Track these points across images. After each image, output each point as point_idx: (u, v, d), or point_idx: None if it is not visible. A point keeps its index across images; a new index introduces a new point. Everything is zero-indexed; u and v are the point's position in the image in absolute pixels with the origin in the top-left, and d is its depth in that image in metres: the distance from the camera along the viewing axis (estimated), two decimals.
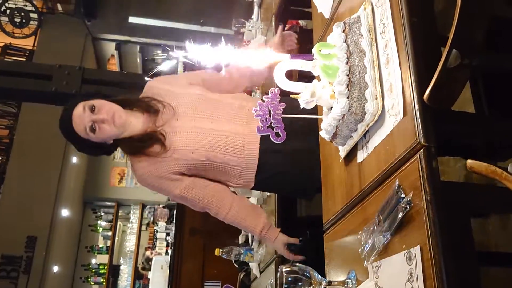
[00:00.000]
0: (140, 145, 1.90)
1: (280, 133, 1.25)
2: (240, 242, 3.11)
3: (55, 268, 8.77)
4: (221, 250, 2.60)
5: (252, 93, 2.98)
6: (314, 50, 1.32)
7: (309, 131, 1.71)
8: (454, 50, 0.89)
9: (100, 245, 10.64)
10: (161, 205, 8.16)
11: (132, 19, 9.02)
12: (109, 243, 10.59)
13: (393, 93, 1.12)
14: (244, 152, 1.89)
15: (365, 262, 1.13)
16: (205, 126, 1.89)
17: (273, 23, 2.83)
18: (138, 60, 9.61)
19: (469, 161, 0.85)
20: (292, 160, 1.93)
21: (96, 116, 1.84)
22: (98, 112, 1.85)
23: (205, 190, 1.96)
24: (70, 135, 1.91)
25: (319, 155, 1.61)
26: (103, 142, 1.92)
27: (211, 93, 1.98)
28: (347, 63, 1.25)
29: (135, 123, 1.92)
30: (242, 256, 2.58)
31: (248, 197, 2.57)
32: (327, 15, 1.66)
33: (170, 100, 1.94)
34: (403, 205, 0.99)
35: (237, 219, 2.00)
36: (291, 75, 1.93)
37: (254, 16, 3.41)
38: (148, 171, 1.91)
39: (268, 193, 2.54)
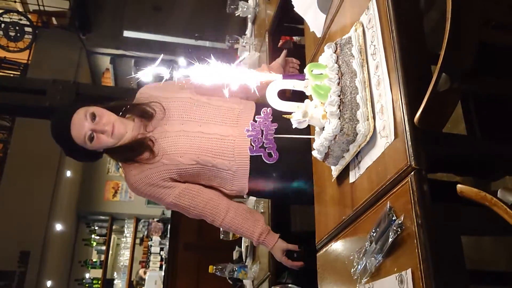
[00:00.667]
0: (131, 154, 1.88)
1: (272, 153, 1.26)
2: (234, 258, 3.10)
3: (49, 283, 8.69)
4: (214, 267, 2.59)
5: None
6: (305, 71, 1.32)
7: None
8: (443, 74, 0.90)
9: (94, 260, 10.57)
10: (155, 219, 8.13)
11: (126, 33, 9.05)
12: (102, 257, 10.53)
13: (384, 114, 1.12)
14: (234, 155, 1.85)
15: (358, 284, 1.12)
16: (193, 129, 1.87)
17: (267, 39, 2.84)
18: (133, 73, 9.61)
19: (459, 186, 0.85)
20: (285, 162, 1.84)
21: (96, 126, 1.84)
22: (99, 122, 1.84)
23: (198, 197, 1.92)
24: (63, 138, 1.89)
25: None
26: (94, 149, 1.91)
27: (201, 96, 1.95)
28: (338, 83, 1.25)
29: (128, 131, 1.91)
30: (235, 273, 2.57)
31: None
32: (319, 34, 1.67)
33: (160, 105, 1.93)
34: (395, 228, 0.99)
35: (234, 225, 1.96)
36: (285, 93, 1.94)
37: (248, 32, 3.43)
38: (139, 179, 1.89)
39: (262, 209, 2.54)
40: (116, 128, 1.87)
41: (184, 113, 1.91)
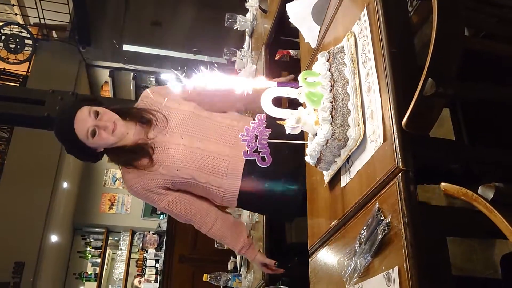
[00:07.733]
0: (130, 157, 1.96)
1: (265, 157, 1.29)
2: (229, 269, 3.11)
3: None
4: (209, 276, 2.61)
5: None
6: (299, 78, 1.36)
7: (295, 154, 1.76)
8: (429, 79, 0.94)
9: (89, 272, 10.51)
10: (151, 232, 8.11)
11: (126, 47, 9.12)
12: (97, 270, 10.47)
13: (374, 119, 1.16)
14: (227, 174, 1.94)
15: (347, 285, 1.15)
16: (192, 144, 1.94)
17: (263, 52, 2.89)
18: (131, 87, 9.69)
19: (442, 184, 0.89)
20: (275, 181, 1.96)
21: (99, 122, 1.90)
22: (101, 118, 1.90)
23: (189, 205, 2.03)
24: (65, 135, 1.94)
25: (304, 176, 1.65)
26: (94, 148, 1.96)
27: (203, 110, 2.03)
28: (331, 90, 1.30)
29: (129, 134, 1.97)
30: (230, 282, 2.59)
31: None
32: (313, 45, 1.72)
33: (161, 114, 1.99)
34: (382, 228, 1.02)
35: (219, 236, 2.14)
36: (281, 101, 1.97)
37: (246, 46, 3.48)
38: (136, 182, 1.97)
39: (257, 219, 2.56)
40: (118, 126, 1.92)
41: (185, 127, 1.97)
